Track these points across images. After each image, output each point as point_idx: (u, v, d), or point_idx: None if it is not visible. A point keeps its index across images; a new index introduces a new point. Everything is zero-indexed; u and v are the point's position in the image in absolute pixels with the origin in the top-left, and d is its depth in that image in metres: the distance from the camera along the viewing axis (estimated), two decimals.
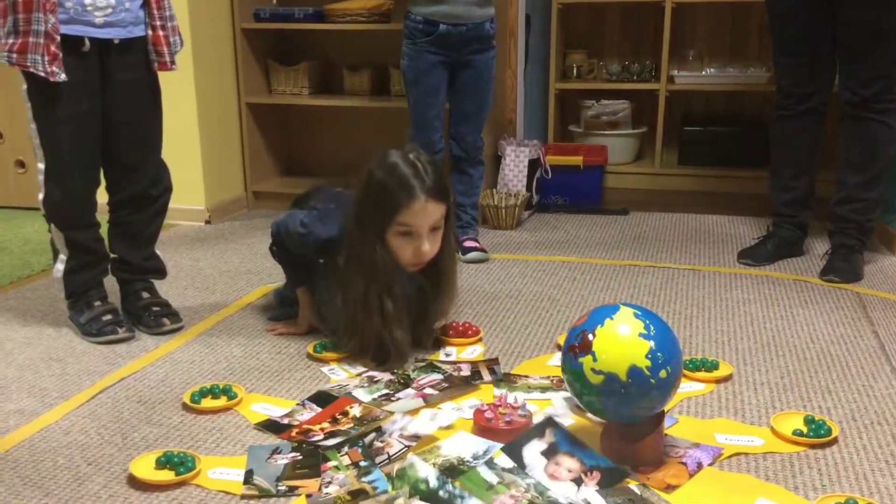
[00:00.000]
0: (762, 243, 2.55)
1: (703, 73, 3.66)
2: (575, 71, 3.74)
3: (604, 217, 3.10)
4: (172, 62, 1.90)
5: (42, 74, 1.71)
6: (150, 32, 1.85)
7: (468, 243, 2.59)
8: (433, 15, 2.39)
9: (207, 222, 3.06)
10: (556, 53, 3.63)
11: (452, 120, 2.57)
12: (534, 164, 3.11)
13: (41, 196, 1.87)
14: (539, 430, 1.38)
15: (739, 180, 3.46)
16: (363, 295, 1.69)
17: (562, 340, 1.78)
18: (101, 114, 1.84)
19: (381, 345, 1.73)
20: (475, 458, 1.36)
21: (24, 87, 1.79)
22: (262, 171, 3.35)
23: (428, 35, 2.41)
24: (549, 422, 1.40)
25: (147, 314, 1.99)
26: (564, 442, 1.36)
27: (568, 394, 1.45)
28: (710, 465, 1.36)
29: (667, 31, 3.46)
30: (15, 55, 1.72)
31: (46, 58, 1.70)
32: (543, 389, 1.63)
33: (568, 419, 1.50)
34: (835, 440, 1.43)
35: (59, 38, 1.71)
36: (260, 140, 3.32)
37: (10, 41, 1.72)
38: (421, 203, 1.65)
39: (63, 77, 1.73)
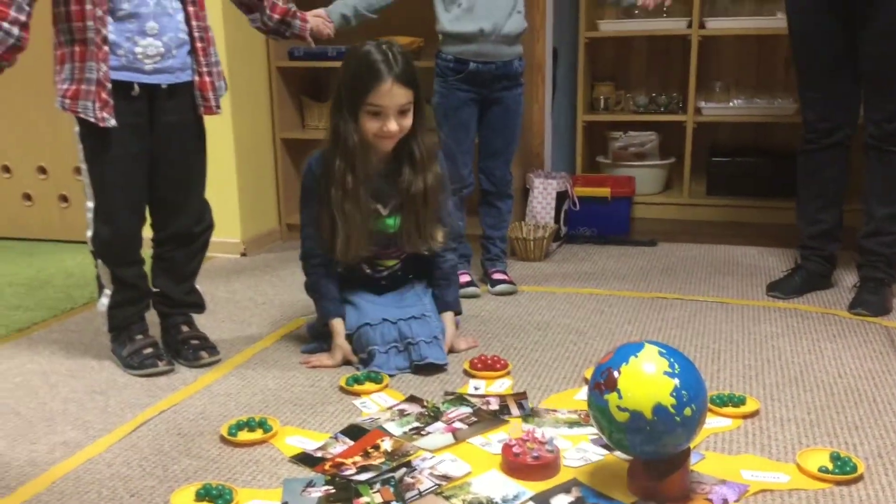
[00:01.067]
0: (790, 276, 2.56)
1: (731, 104, 3.68)
2: (602, 103, 3.78)
3: (632, 248, 3.12)
4: (217, 106, 1.97)
5: (92, 120, 1.80)
6: (196, 78, 1.92)
7: (497, 275, 2.63)
8: (463, 54, 2.46)
9: (243, 255, 3.13)
10: (584, 86, 3.68)
11: (482, 155, 2.62)
12: (562, 196, 3.14)
13: (90, 233, 1.95)
14: (565, 487, 1.42)
15: (767, 211, 3.47)
16: (333, 166, 1.94)
17: (589, 374, 1.81)
18: (148, 154, 1.92)
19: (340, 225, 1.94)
20: (504, 500, 1.38)
21: (77, 129, 1.87)
22: (295, 203, 3.37)
23: (458, 73, 2.47)
24: (575, 481, 1.43)
25: (186, 347, 2.05)
26: (591, 495, 1.39)
27: (595, 430, 1.48)
28: (735, 501, 1.37)
29: (693, 63, 3.49)
30: (68, 101, 1.81)
31: (97, 104, 1.79)
32: (571, 424, 1.66)
33: (595, 455, 1.53)
34: (860, 477, 1.44)
35: (109, 85, 1.79)
36: (294, 174, 3.39)
37: (65, 87, 1.81)
38: (388, 86, 1.88)
39: (113, 123, 1.81)
